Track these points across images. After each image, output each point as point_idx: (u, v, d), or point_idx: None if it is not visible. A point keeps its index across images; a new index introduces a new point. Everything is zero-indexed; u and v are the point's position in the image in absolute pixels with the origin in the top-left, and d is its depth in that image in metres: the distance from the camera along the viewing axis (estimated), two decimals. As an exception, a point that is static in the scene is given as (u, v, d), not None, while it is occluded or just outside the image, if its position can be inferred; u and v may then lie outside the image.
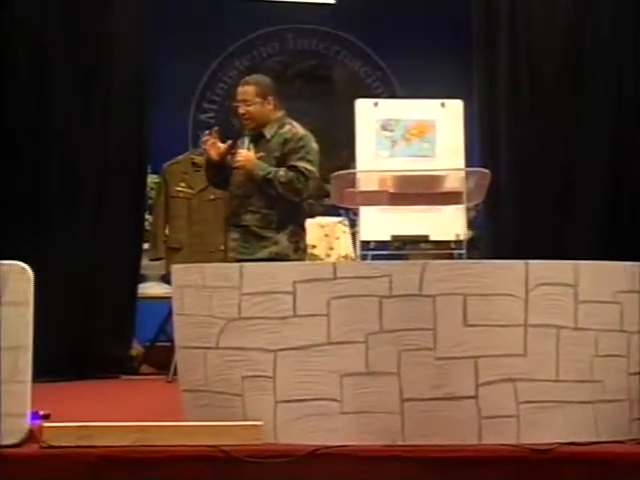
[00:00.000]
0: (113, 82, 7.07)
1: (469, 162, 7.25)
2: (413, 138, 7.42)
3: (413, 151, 7.38)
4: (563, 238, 6.92)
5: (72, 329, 6.76)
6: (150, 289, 7.58)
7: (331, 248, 7.07)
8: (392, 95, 8.81)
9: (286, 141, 5.05)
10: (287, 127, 5.11)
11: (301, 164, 4.95)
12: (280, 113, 5.14)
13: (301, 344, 3.65)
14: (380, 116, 7.48)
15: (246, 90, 5.10)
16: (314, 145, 5.09)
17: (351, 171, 6.74)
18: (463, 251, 6.90)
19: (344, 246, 7.15)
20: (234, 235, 4.97)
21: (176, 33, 8.30)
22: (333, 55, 9.29)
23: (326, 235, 7.12)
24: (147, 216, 7.38)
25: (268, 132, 5.07)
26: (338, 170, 6.63)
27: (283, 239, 4.95)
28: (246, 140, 5.08)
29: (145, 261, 7.36)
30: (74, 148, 6.94)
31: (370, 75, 9.26)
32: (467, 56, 7.50)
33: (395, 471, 3.46)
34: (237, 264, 4.11)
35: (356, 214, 7.34)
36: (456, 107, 7.44)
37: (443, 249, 7.10)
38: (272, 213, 4.95)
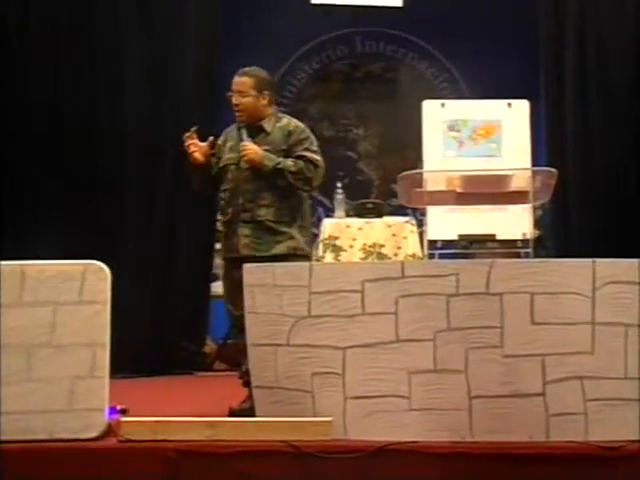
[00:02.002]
0: (185, 83, 7.15)
1: (536, 161, 7.18)
2: (480, 138, 7.38)
3: (480, 151, 7.34)
4: (630, 236, 6.81)
5: (148, 327, 6.85)
6: (222, 288, 7.61)
7: (399, 247, 7.04)
8: (459, 96, 8.74)
9: (290, 133, 4.88)
10: (285, 120, 4.92)
11: (308, 154, 4.82)
12: (273, 109, 4.99)
13: (370, 342, 3.65)
14: (447, 117, 7.45)
15: (243, 81, 4.84)
16: (313, 137, 4.98)
17: (418, 171, 6.73)
18: (530, 250, 6.83)
19: (411, 245, 7.12)
20: (245, 231, 4.74)
21: (247, 37, 8.35)
22: (400, 57, 9.26)
23: (394, 235, 7.10)
24: (219, 216, 7.43)
25: (267, 125, 4.92)
26: (405, 170, 6.62)
27: (297, 233, 4.84)
28: (244, 133, 4.83)
29: (217, 261, 7.41)
30: (149, 150, 7.04)
31: (437, 76, 9.21)
32: (533, 56, 7.43)
33: (463, 467, 3.45)
34: (307, 263, 4.11)
35: (423, 214, 7.31)
36: (522, 107, 7.38)
37: (510, 248, 7.05)
38: (284, 207, 4.82)
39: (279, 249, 4.74)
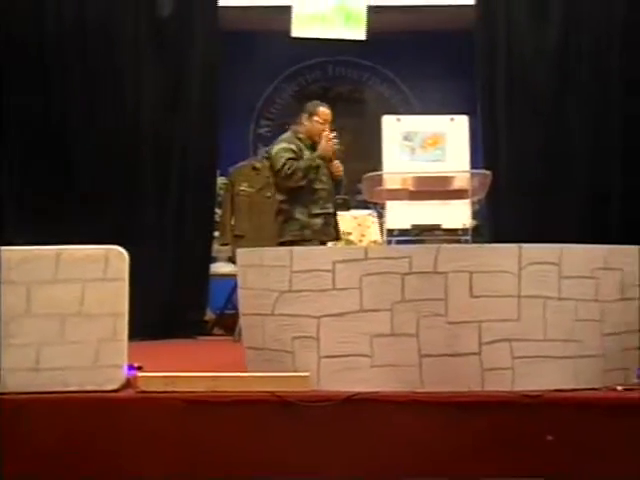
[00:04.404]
0: (192, 103, 7.13)
1: (474, 165, 7.20)
2: (428, 147, 7.39)
3: (428, 157, 7.36)
4: (549, 225, 6.84)
5: (159, 299, 6.83)
6: (220, 268, 7.62)
7: (363, 235, 7.06)
8: (411, 112, 8.76)
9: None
10: None
11: None
12: None
13: (339, 311, 3.64)
14: (402, 129, 7.46)
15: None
16: None
17: (378, 173, 6.71)
18: (469, 237, 6.86)
19: (373, 233, 7.13)
20: (319, 220, 4.99)
21: (241, 64, 8.33)
22: (364, 81, 9.27)
23: (359, 225, 7.11)
24: (217, 210, 7.42)
25: None
26: (368, 172, 6.62)
27: None
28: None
29: (216, 246, 7.40)
30: (162, 154, 7.02)
31: (394, 96, 9.22)
32: (472, 79, 7.45)
33: (415, 412, 3.46)
34: (288, 247, 4.11)
35: (383, 207, 7.31)
36: (463, 121, 7.41)
37: (452, 235, 7.06)
38: None
39: (333, 233, 5.27)
